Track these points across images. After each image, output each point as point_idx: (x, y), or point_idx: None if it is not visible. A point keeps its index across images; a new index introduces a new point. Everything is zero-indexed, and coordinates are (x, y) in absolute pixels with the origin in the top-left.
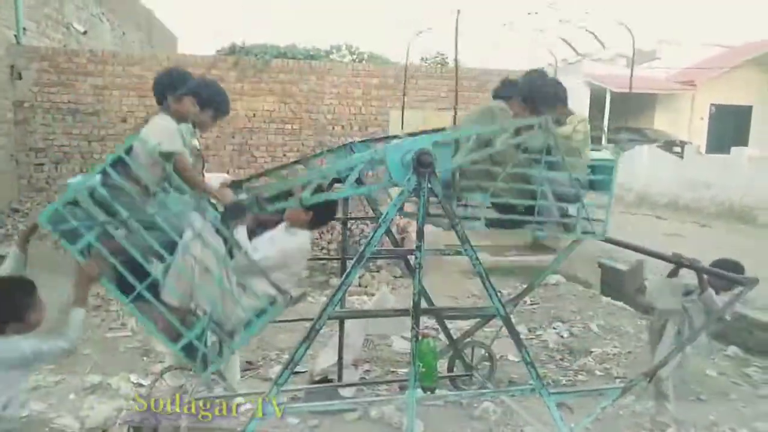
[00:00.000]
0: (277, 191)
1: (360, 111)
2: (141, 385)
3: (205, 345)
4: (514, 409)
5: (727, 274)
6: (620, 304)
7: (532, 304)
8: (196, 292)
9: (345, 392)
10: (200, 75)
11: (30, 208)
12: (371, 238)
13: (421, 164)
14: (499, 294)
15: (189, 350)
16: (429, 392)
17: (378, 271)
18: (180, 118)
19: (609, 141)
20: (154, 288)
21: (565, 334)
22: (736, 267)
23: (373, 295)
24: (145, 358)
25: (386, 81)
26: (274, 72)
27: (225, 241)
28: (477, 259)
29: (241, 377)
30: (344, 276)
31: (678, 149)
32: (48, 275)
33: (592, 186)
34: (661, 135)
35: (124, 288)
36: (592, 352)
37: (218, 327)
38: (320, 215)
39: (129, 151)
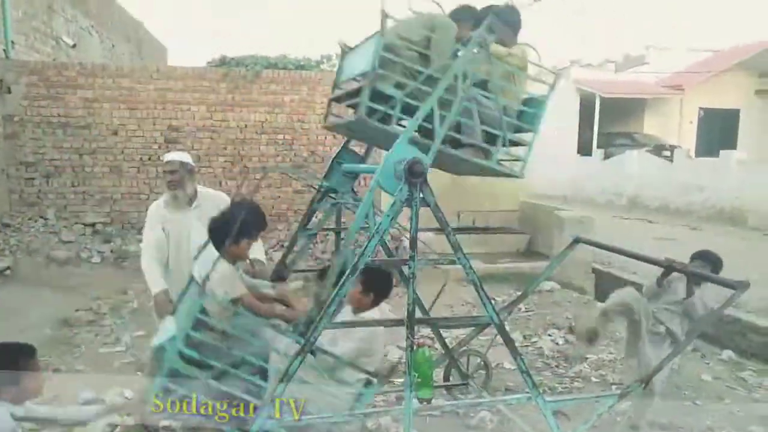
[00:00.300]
0: (332, 282)
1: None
2: None
3: None
4: (511, 418)
5: (719, 278)
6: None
7: (526, 311)
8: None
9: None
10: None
11: (21, 223)
12: (365, 249)
13: (413, 174)
14: (493, 302)
15: None
16: (425, 402)
17: None
18: (237, 258)
19: (599, 146)
20: None
21: (560, 341)
22: (717, 260)
23: None
24: (139, 374)
25: None
26: (264, 83)
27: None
28: (471, 267)
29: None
30: (338, 288)
31: (668, 153)
32: (36, 290)
33: (522, 120)
34: (650, 139)
35: None
36: (587, 358)
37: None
38: (380, 291)
39: (203, 310)
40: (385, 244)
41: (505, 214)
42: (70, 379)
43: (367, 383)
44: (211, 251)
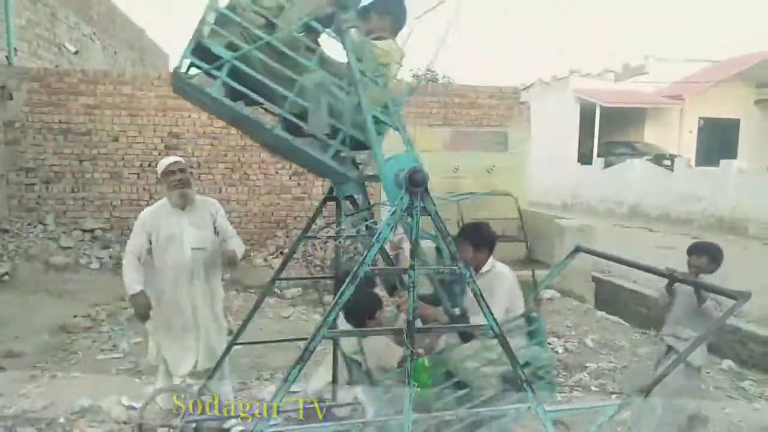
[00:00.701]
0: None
1: None
2: (133, 408)
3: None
4: (510, 427)
5: (721, 289)
6: (615, 318)
7: None
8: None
9: (340, 412)
10: None
11: (20, 228)
12: (365, 258)
13: (414, 183)
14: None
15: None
16: (424, 412)
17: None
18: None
19: (599, 155)
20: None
21: (560, 350)
22: (715, 251)
23: None
24: (137, 380)
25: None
26: None
27: None
28: (470, 277)
29: (234, 397)
30: (338, 296)
31: (668, 162)
32: (34, 296)
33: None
34: (651, 148)
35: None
36: (587, 367)
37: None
38: (487, 240)
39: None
40: (386, 252)
41: (506, 223)
42: (68, 385)
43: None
44: None
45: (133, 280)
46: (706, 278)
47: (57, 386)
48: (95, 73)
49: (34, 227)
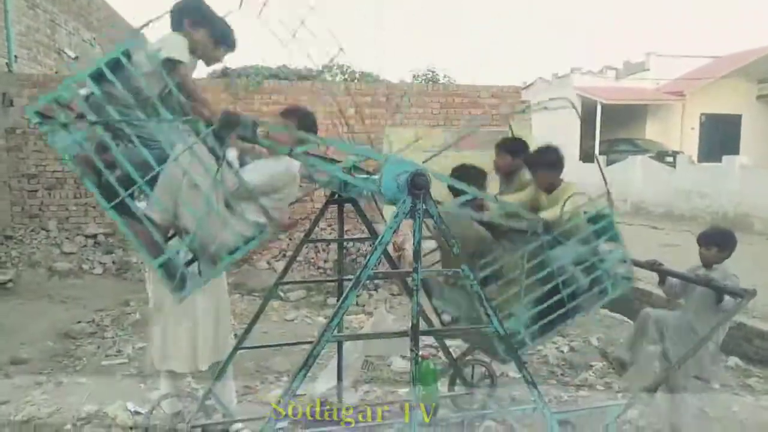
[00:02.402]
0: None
1: (353, 129)
2: (138, 413)
3: (184, 265)
4: (516, 428)
5: (726, 288)
6: (619, 316)
7: None
8: (181, 208)
9: (348, 416)
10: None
11: (23, 235)
12: (367, 262)
13: (416, 186)
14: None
15: (168, 268)
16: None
17: (376, 290)
18: (192, 44)
19: (601, 153)
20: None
21: (565, 349)
22: (727, 239)
23: (371, 314)
24: (142, 386)
25: (378, 99)
26: (266, 93)
27: (217, 159)
28: (474, 279)
29: (239, 401)
30: (341, 300)
31: (670, 159)
32: (40, 303)
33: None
34: (653, 145)
35: (110, 198)
36: (592, 366)
37: (201, 248)
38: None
39: (128, 55)
40: (388, 255)
41: None
42: (73, 391)
43: (261, 230)
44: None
45: None
46: (714, 272)
47: (62, 392)
48: None
49: (37, 233)
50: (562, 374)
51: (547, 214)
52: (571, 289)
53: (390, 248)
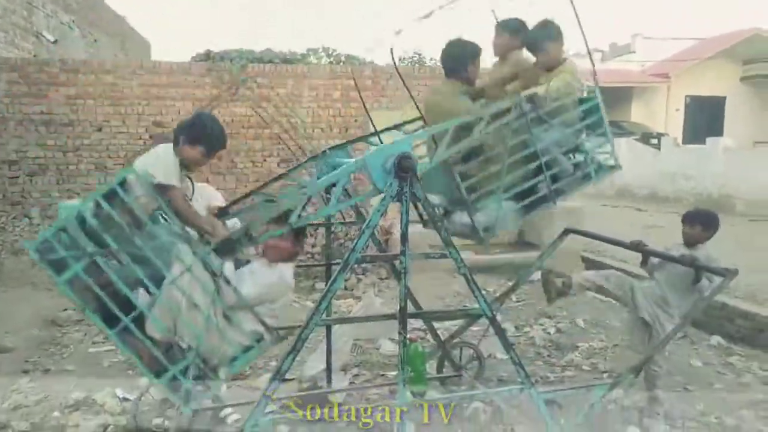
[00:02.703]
0: (265, 221)
1: (339, 113)
2: (127, 400)
3: (188, 379)
4: (504, 408)
5: (709, 267)
6: (605, 298)
7: (517, 302)
8: (182, 326)
9: (335, 398)
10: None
11: (5, 222)
12: (355, 246)
13: (402, 169)
14: (484, 293)
15: (173, 384)
16: (419, 396)
17: (364, 274)
18: (187, 160)
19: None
20: (140, 320)
21: (552, 331)
22: (710, 219)
23: (359, 298)
24: (130, 372)
25: (364, 82)
26: (250, 77)
27: (213, 275)
28: (462, 261)
29: (228, 387)
30: (329, 284)
31: (655, 141)
32: (24, 291)
33: (589, 127)
34: (638, 127)
35: (110, 318)
36: (578, 347)
37: (203, 362)
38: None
39: (123, 183)
40: (376, 238)
41: None
42: (61, 378)
43: (259, 339)
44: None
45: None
46: (696, 252)
47: (50, 380)
48: (76, 62)
49: (20, 221)
50: (548, 355)
51: (534, 89)
52: (553, 170)
53: (377, 232)
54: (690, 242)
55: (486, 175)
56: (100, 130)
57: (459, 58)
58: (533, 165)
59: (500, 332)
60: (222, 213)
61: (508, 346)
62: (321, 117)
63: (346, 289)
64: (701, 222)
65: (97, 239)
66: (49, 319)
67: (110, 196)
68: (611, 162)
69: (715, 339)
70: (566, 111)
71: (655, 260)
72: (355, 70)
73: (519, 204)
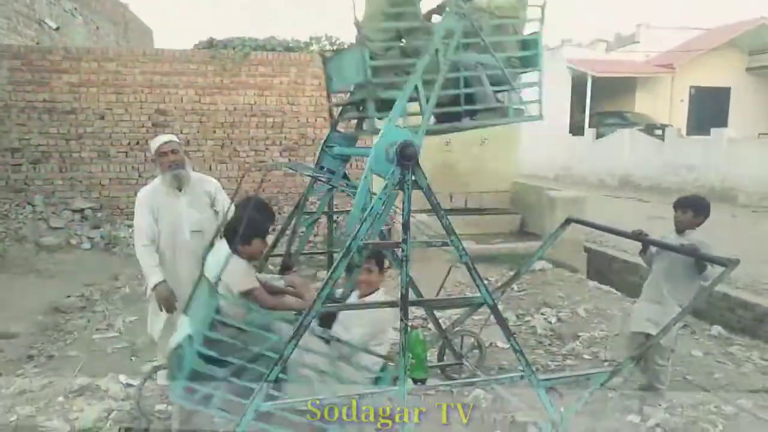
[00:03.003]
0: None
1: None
2: (130, 386)
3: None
4: (505, 396)
5: (709, 256)
6: (607, 288)
7: (519, 291)
8: (319, 391)
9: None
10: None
11: (8, 210)
12: (356, 233)
13: (405, 157)
14: (486, 282)
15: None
16: (420, 383)
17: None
18: (251, 258)
19: (591, 125)
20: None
21: (553, 320)
22: (702, 205)
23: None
24: (133, 359)
25: None
26: (253, 65)
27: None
28: (463, 249)
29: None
30: (331, 270)
31: (659, 132)
32: (28, 278)
33: (522, 63)
34: (642, 118)
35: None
36: (579, 336)
37: None
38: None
39: (218, 310)
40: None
41: (498, 195)
42: (64, 364)
43: (383, 367)
44: (224, 248)
45: (152, 268)
46: (687, 238)
47: (54, 366)
48: (78, 50)
49: (23, 208)
50: (549, 344)
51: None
52: (471, 89)
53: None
54: (681, 228)
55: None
56: (102, 117)
57: None
58: (453, 75)
59: (501, 320)
60: (285, 267)
61: (509, 334)
62: (324, 105)
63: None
64: (693, 207)
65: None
66: (53, 305)
67: (212, 325)
68: (534, 112)
69: (716, 329)
70: (504, 33)
71: (654, 250)
72: None
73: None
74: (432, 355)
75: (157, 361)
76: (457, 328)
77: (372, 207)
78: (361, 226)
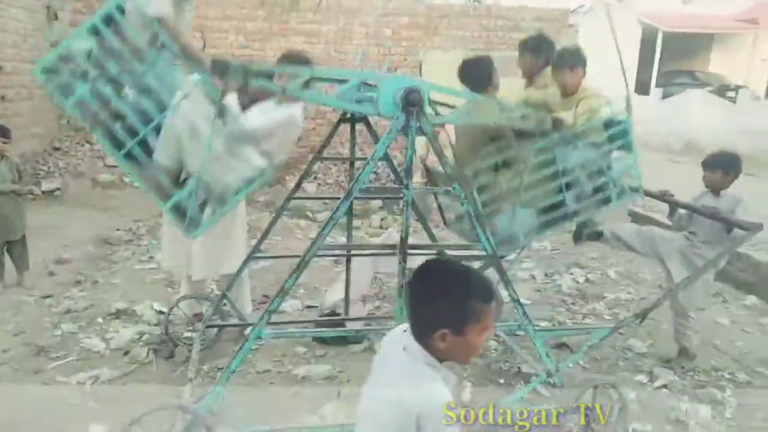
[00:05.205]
0: (265, 71)
1: (389, 51)
2: (162, 313)
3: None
4: (514, 348)
5: (733, 220)
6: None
7: (552, 250)
8: (185, 153)
9: (352, 326)
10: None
11: (69, 147)
12: (359, 177)
13: (410, 102)
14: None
15: (178, 211)
16: None
17: (400, 214)
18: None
19: (657, 85)
20: (147, 149)
21: (581, 280)
22: (732, 163)
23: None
24: (169, 289)
25: (416, 20)
26: (302, 11)
27: (213, 102)
28: (466, 197)
29: (255, 309)
30: (333, 211)
31: (732, 94)
32: (84, 211)
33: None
34: (714, 78)
35: (121, 149)
36: (604, 297)
37: (207, 190)
38: None
39: (121, 9)
40: (395, 169)
41: None
42: (107, 290)
43: (262, 173)
44: None
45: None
46: (721, 199)
47: (98, 290)
48: None
49: (82, 146)
50: (572, 303)
51: (561, 115)
52: (573, 192)
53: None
54: (713, 188)
55: (506, 188)
56: None
57: (480, 73)
58: (554, 184)
59: (500, 269)
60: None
61: (507, 282)
62: (371, 55)
63: (381, 228)
64: (721, 166)
65: (101, 69)
66: (102, 237)
67: (108, 24)
68: (635, 184)
69: (750, 299)
70: (591, 134)
71: (683, 212)
72: (408, 8)
73: (538, 219)
74: None
75: (182, 291)
76: None
77: (375, 152)
78: (363, 170)
